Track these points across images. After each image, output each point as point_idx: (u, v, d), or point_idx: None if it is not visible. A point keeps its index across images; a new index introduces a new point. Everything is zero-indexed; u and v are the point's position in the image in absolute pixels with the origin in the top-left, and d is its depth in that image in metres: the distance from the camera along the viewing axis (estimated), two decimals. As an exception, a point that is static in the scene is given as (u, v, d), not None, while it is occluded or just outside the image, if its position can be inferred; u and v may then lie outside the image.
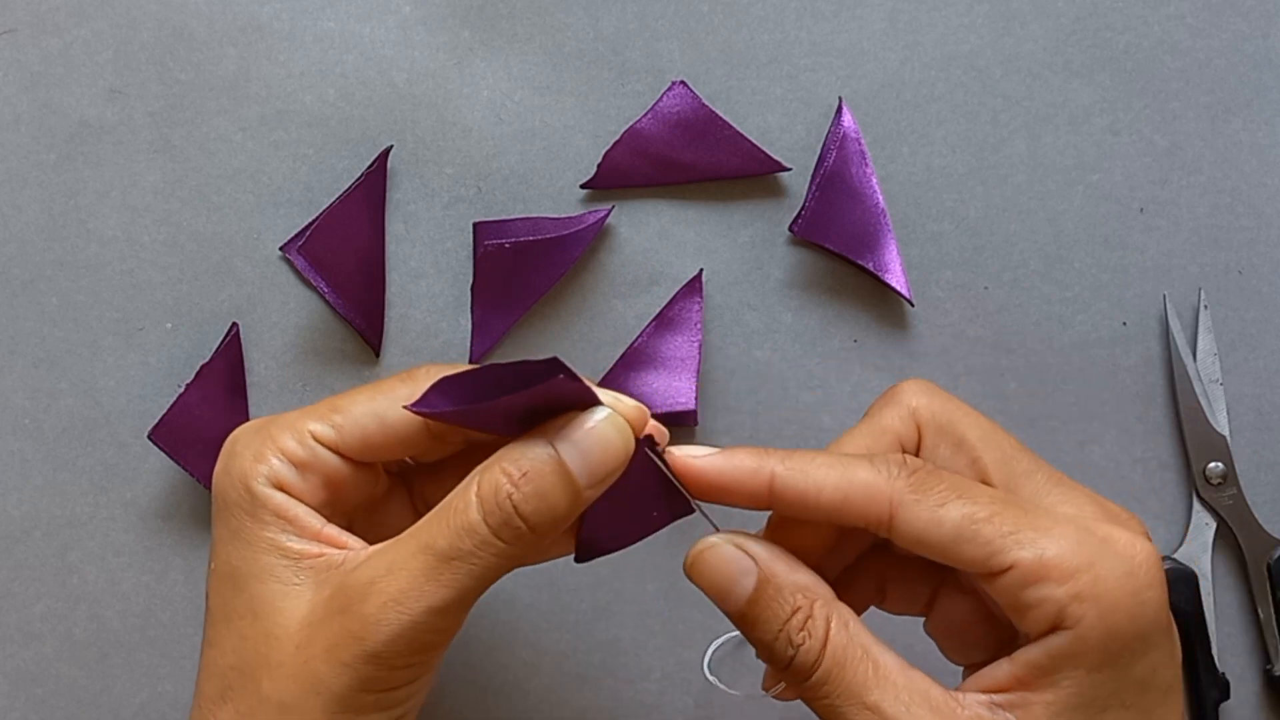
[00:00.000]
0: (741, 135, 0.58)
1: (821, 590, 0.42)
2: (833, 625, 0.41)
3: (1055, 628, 0.39)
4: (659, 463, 0.43)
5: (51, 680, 0.57)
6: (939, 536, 0.40)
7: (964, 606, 0.45)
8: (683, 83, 0.58)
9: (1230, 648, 0.57)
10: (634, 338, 0.57)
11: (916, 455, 0.43)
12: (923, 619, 0.47)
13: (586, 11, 0.59)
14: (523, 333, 0.58)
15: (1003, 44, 0.59)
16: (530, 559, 0.42)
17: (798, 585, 0.42)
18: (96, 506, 0.57)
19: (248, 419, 0.57)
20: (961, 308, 0.58)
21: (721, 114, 0.58)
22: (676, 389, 0.57)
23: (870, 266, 0.57)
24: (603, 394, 0.42)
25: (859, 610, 0.43)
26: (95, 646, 0.57)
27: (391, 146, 0.58)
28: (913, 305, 0.58)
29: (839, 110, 0.58)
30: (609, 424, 0.41)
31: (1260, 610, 0.57)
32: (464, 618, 0.42)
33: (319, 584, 0.42)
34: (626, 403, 0.43)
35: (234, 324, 0.57)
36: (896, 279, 0.57)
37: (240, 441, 0.45)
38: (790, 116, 0.59)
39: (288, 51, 0.59)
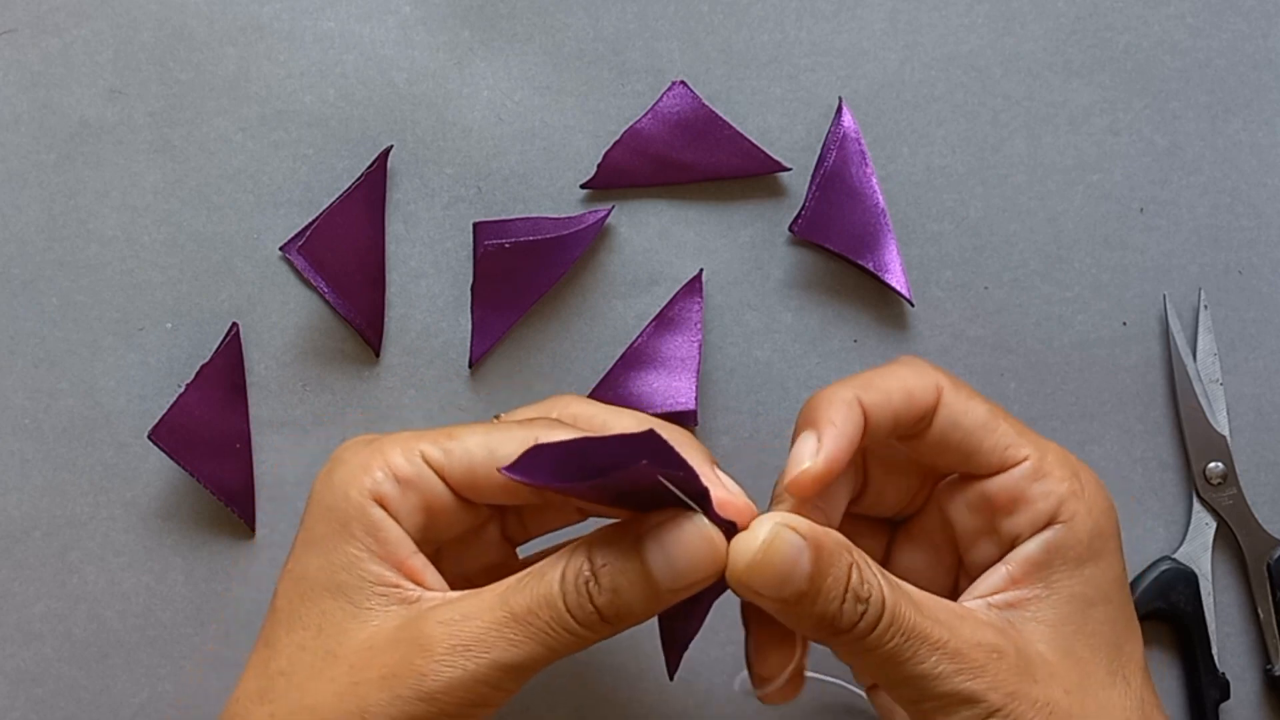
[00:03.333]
0: (741, 135, 0.58)
1: (846, 540, 0.42)
2: (878, 573, 0.42)
3: (1051, 522, 0.44)
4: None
5: (51, 680, 0.57)
6: (969, 422, 0.45)
7: (918, 559, 0.48)
8: (683, 83, 0.58)
9: (1230, 648, 0.57)
10: (634, 338, 0.57)
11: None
12: None
13: (586, 11, 0.59)
14: (523, 333, 0.58)
15: (1003, 44, 0.59)
16: (602, 639, 0.42)
17: (839, 543, 0.42)
18: (96, 506, 0.57)
19: (248, 419, 0.57)
20: (961, 308, 0.58)
21: (721, 114, 0.58)
22: (676, 389, 0.57)
23: (870, 266, 0.57)
24: (713, 476, 0.43)
25: None
26: (95, 646, 0.57)
27: (391, 146, 0.58)
28: (913, 305, 0.58)
29: (839, 110, 0.58)
30: (701, 537, 0.41)
31: (1260, 610, 0.57)
32: (523, 684, 0.42)
33: (388, 614, 0.42)
34: (736, 497, 0.43)
35: (234, 324, 0.57)
36: (896, 279, 0.57)
37: (349, 450, 0.44)
38: (790, 116, 0.59)
39: (288, 51, 0.59)
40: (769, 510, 0.44)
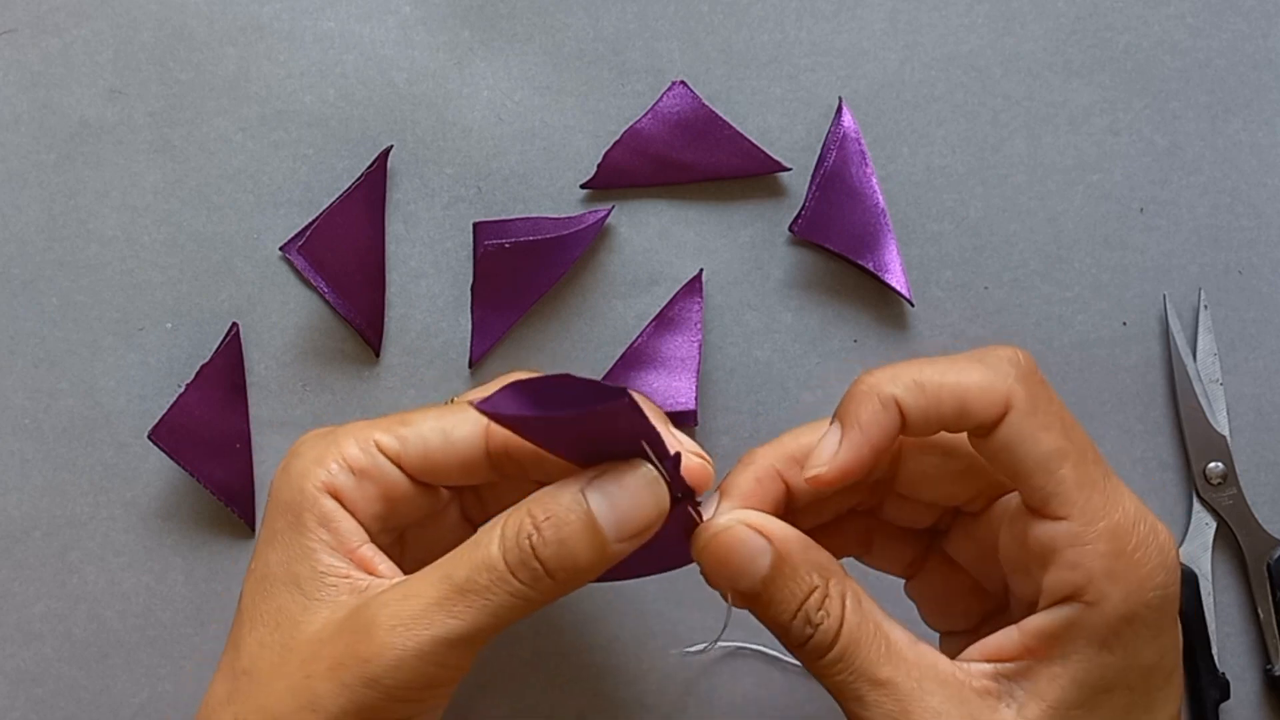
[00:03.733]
0: (741, 135, 0.58)
1: (835, 567, 0.42)
2: (848, 604, 0.41)
3: (1073, 597, 0.40)
4: (695, 514, 0.42)
5: (51, 680, 0.57)
6: (1031, 454, 0.40)
7: (952, 576, 0.45)
8: (683, 83, 0.58)
9: (1230, 648, 0.57)
10: (634, 338, 0.57)
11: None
12: (904, 581, 0.47)
13: (586, 11, 0.59)
14: (523, 333, 0.58)
15: (1003, 44, 0.59)
16: (549, 601, 0.41)
17: (813, 563, 0.41)
18: (96, 506, 0.57)
19: (248, 419, 0.57)
20: (961, 308, 0.58)
21: (721, 114, 0.58)
22: (676, 389, 0.57)
23: (870, 266, 0.57)
24: (671, 438, 0.42)
25: (838, 557, 0.43)
26: (95, 646, 0.57)
27: (391, 146, 0.58)
28: (913, 305, 0.58)
29: (839, 110, 0.58)
30: (645, 483, 0.40)
31: (1260, 610, 0.57)
32: (472, 657, 0.41)
33: (337, 604, 0.42)
34: (691, 459, 0.42)
35: (234, 324, 0.57)
36: (896, 279, 0.57)
37: (305, 444, 0.45)
38: (790, 116, 0.59)
39: (288, 51, 0.59)
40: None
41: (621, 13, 0.59)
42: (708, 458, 0.43)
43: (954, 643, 0.46)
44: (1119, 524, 0.40)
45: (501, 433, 0.44)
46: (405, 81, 0.58)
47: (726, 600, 0.43)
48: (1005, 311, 0.58)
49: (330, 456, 0.43)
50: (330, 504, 0.43)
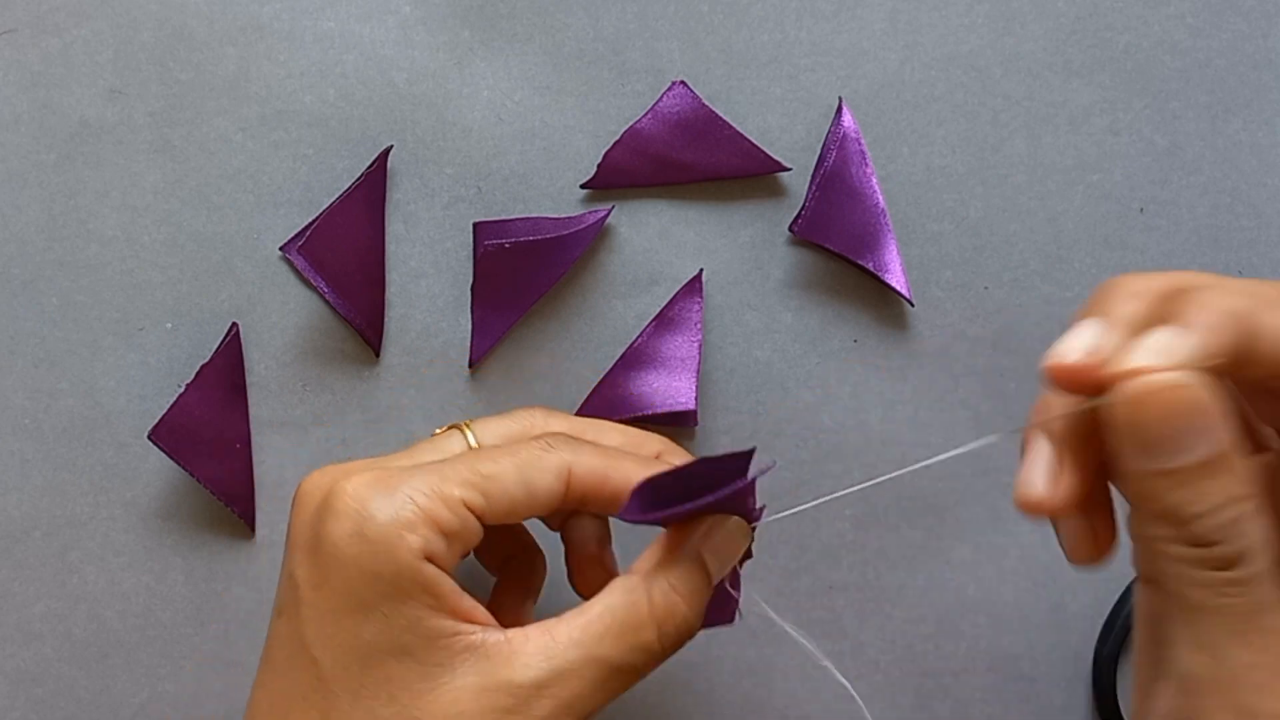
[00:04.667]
0: (741, 135, 0.58)
1: (1263, 499, 0.36)
2: (1260, 542, 0.35)
3: None
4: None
5: (51, 680, 0.57)
6: None
7: None
8: (683, 83, 0.58)
9: (1230, 648, 0.57)
10: (634, 338, 0.57)
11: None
12: None
13: (586, 11, 0.59)
14: (523, 333, 0.58)
15: (1003, 44, 0.59)
16: None
17: (1252, 479, 0.36)
18: (96, 506, 0.57)
19: (248, 419, 0.57)
20: (961, 308, 0.58)
21: (721, 114, 0.58)
22: (676, 389, 0.57)
23: (870, 266, 0.57)
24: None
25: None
26: (95, 646, 0.57)
27: (391, 146, 0.58)
28: (913, 305, 0.58)
29: (839, 110, 0.58)
30: (741, 535, 0.43)
31: (1261, 610, 0.57)
32: None
33: (460, 669, 0.42)
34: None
35: (234, 324, 0.57)
36: (896, 279, 0.57)
37: (372, 503, 0.42)
38: (790, 116, 0.59)
39: (288, 51, 0.59)
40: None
41: (621, 13, 0.59)
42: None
43: None
44: None
45: (584, 483, 0.45)
46: (405, 81, 0.58)
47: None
48: (1005, 311, 0.58)
49: (419, 521, 0.42)
50: (432, 570, 0.42)
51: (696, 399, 0.57)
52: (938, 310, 0.58)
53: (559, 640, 0.42)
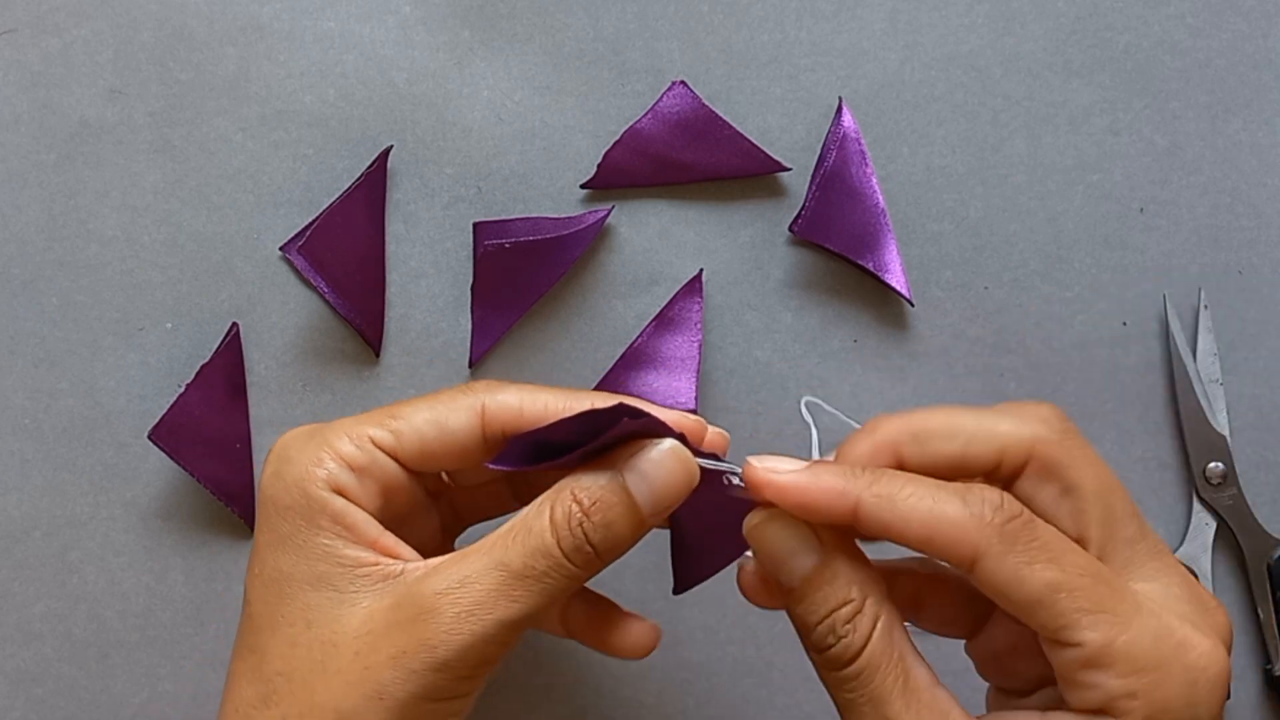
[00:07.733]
0: (741, 135, 0.58)
1: (877, 588, 0.42)
2: (878, 626, 0.41)
3: (1099, 714, 0.39)
4: (727, 480, 0.43)
5: (51, 680, 0.57)
6: (1018, 595, 0.39)
7: (1013, 638, 0.44)
8: (683, 83, 0.58)
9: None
10: (634, 338, 0.57)
11: (1012, 482, 0.42)
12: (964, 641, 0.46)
13: (586, 11, 0.59)
14: (523, 333, 0.58)
15: (1003, 44, 0.59)
16: (597, 574, 0.43)
17: (855, 578, 0.41)
18: (96, 506, 0.57)
19: (248, 419, 0.57)
20: (961, 308, 0.58)
21: (721, 114, 0.58)
22: (676, 389, 0.57)
23: (870, 266, 0.57)
24: (664, 414, 0.43)
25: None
26: (95, 646, 0.57)
27: (391, 146, 0.58)
28: (913, 305, 0.58)
29: (839, 110, 0.58)
30: (673, 455, 0.42)
31: (1260, 610, 0.57)
32: (521, 634, 0.43)
33: (376, 593, 0.43)
34: (686, 418, 0.44)
35: (234, 324, 0.57)
36: (896, 279, 0.57)
37: (293, 446, 0.45)
38: (790, 116, 0.59)
39: (288, 51, 0.59)
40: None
41: (621, 13, 0.59)
42: (696, 418, 0.45)
43: (1004, 700, 0.45)
44: (1136, 641, 0.39)
45: (499, 418, 0.45)
46: (405, 81, 0.58)
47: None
48: (1005, 311, 0.58)
49: (327, 456, 0.44)
50: (339, 502, 0.44)
51: (696, 399, 0.57)
52: (938, 310, 0.58)
53: (468, 555, 0.43)
